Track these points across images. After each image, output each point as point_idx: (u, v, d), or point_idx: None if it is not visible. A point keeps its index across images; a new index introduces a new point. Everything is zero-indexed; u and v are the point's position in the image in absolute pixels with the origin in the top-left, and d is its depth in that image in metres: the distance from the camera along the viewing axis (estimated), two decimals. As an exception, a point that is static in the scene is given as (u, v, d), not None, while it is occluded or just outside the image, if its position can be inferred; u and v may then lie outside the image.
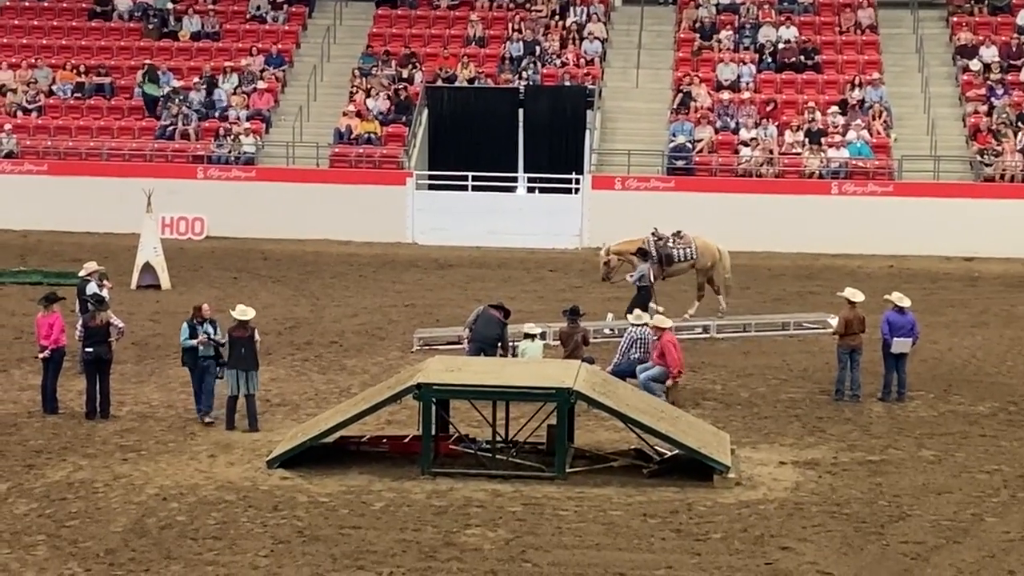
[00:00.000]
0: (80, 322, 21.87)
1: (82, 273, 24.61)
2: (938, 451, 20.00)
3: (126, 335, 22.38)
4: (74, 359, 22.44)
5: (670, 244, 28.05)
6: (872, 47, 43.15)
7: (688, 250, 28.04)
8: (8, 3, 45.72)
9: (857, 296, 23.06)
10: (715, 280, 28.34)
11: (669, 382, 21.81)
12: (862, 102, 40.67)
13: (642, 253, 27.20)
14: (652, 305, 26.57)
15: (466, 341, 23.37)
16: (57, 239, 37.43)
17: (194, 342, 20.55)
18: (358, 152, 39.93)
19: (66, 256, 34.44)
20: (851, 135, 39.46)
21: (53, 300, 21.59)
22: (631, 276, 27.06)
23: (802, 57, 42.52)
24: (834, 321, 23.63)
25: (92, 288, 23.78)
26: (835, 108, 40.32)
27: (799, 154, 39.32)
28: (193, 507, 17.05)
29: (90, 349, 20.99)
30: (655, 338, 22.10)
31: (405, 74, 42.24)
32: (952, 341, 27.34)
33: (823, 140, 39.42)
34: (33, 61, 42.99)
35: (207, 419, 20.51)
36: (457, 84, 41.63)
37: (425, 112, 41.07)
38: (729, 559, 15.67)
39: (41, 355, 21.28)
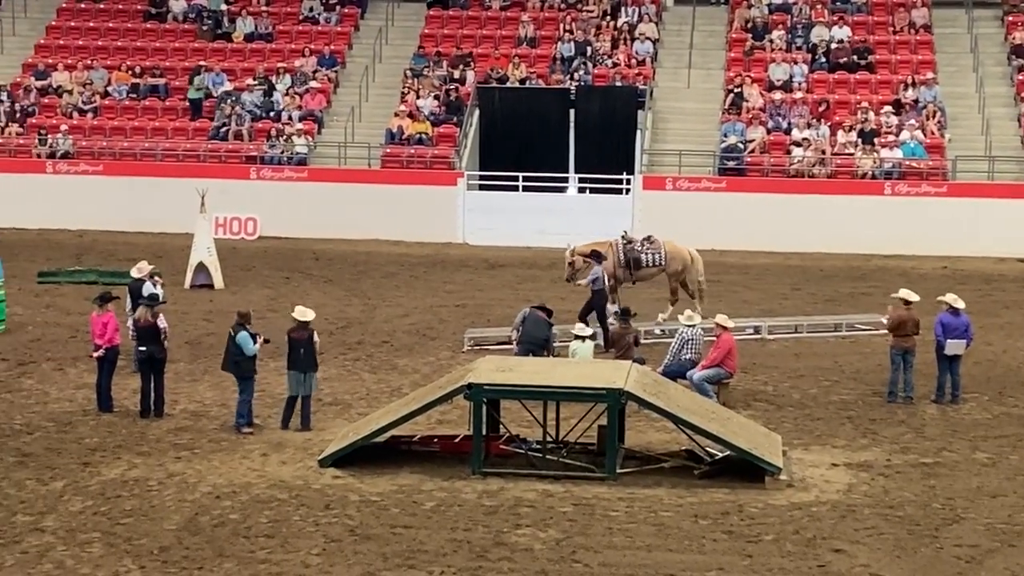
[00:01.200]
0: (130, 321, 22.02)
1: (134, 273, 24.77)
2: (992, 454, 19.85)
3: (170, 337, 22.24)
4: (129, 358, 22.62)
5: (638, 248, 27.60)
6: (926, 47, 42.87)
7: (657, 255, 27.52)
8: (64, 5, 46.14)
9: (912, 297, 22.93)
10: (688, 285, 27.79)
11: (697, 367, 21.83)
12: (916, 102, 40.43)
13: (596, 256, 26.67)
14: (610, 307, 26.34)
15: (515, 343, 23.41)
16: (112, 239, 37.74)
17: (257, 347, 20.55)
18: (409, 152, 40.05)
19: (121, 255, 34.71)
20: (904, 135, 39.22)
21: (108, 299, 21.74)
22: (584, 280, 26.72)
23: (855, 57, 42.29)
24: (887, 320, 23.50)
25: (148, 288, 23.94)
26: (888, 108, 40.09)
27: (852, 154, 39.12)
28: (246, 505, 17.15)
29: (143, 348, 21.14)
30: (711, 337, 22.18)
31: (456, 75, 42.33)
32: (1007, 343, 27.12)
33: (876, 140, 39.21)
34: (89, 62, 43.37)
35: (247, 429, 20.51)
36: (508, 84, 41.68)
37: (476, 112, 41.15)
38: (781, 561, 15.62)
39: (95, 354, 21.46)
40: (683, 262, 27.70)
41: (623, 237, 27.90)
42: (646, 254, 27.57)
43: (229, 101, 41.22)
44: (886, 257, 36.80)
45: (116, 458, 19.06)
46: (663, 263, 27.58)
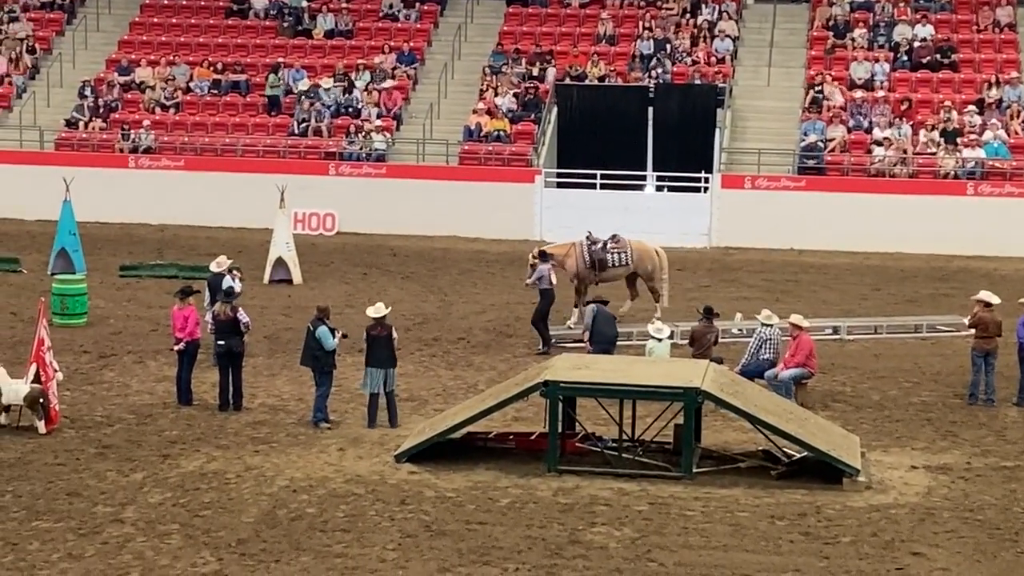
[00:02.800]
0: (209, 315, 22.23)
1: (213, 268, 24.98)
2: (1075, 458, 19.58)
3: (252, 330, 22.44)
4: (208, 352, 22.82)
5: (603, 249, 27.08)
6: (1011, 46, 42.31)
7: (623, 255, 27.04)
8: (148, 1, 46.61)
9: (993, 299, 22.67)
10: (655, 287, 27.29)
11: (779, 368, 21.69)
12: (999, 101, 39.92)
13: (542, 255, 26.23)
14: (575, 311, 25.97)
15: (587, 342, 23.31)
16: (192, 233, 38.10)
17: (336, 342, 20.66)
18: (487, 150, 40.10)
19: (201, 250, 35.02)
20: (988, 135, 38.75)
21: (189, 293, 21.95)
22: (529, 279, 26.30)
23: (938, 56, 41.82)
24: (967, 321, 23.27)
25: (227, 282, 24.13)
26: (972, 107, 39.63)
27: (934, 154, 38.71)
28: (322, 499, 17.26)
29: (221, 342, 21.31)
30: (787, 337, 22.09)
31: (535, 72, 42.33)
32: (1091, 346, 26.68)
33: (959, 140, 38.77)
34: (171, 58, 43.79)
35: (326, 424, 20.63)
36: (587, 82, 41.62)
37: (555, 110, 41.13)
38: (858, 563, 15.49)
39: (176, 348, 21.66)
40: (652, 261, 27.23)
41: (587, 238, 27.41)
42: (612, 254, 27.10)
43: (307, 97, 41.46)
44: (968, 258, 36.38)
45: (195, 451, 19.25)
46: (630, 263, 27.10)
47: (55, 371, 20.36)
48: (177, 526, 16.29)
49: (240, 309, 21.57)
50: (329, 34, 44.86)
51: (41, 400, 19.88)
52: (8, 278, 31.86)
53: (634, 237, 28.07)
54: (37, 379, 19.96)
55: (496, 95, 41.42)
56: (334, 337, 20.55)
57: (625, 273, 27.43)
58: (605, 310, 23.34)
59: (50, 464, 18.53)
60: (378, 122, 40.87)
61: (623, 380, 18.97)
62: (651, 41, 42.70)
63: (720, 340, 23.85)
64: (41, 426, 19.89)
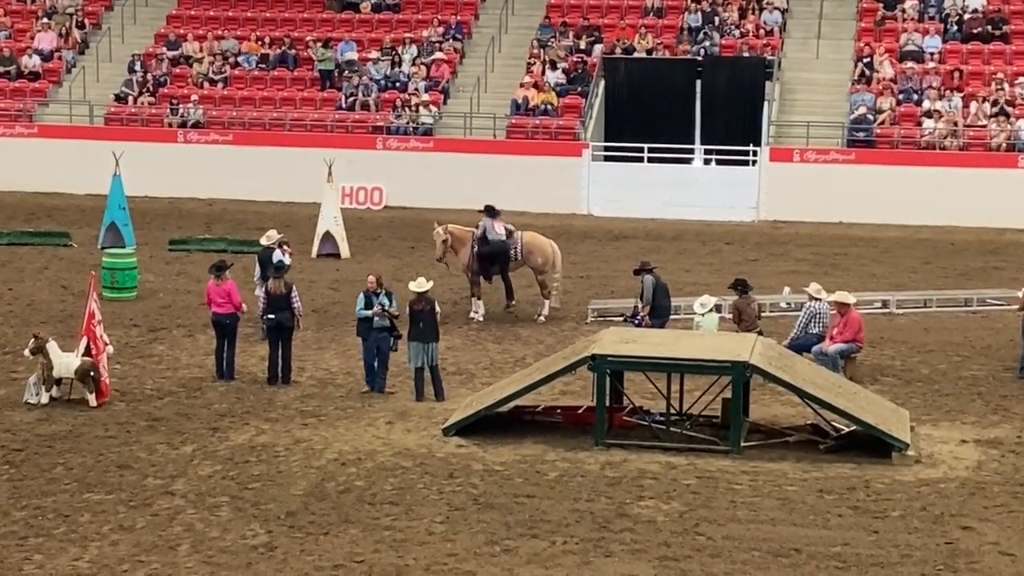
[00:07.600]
0: (260, 290, 22.26)
1: (263, 241, 25.06)
2: None
3: (303, 315, 22.42)
4: (257, 325, 22.92)
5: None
6: (1064, 16, 41.87)
7: (513, 249, 26.26)
8: (195, -24, 46.74)
9: (1044, 272, 22.50)
10: (545, 282, 26.48)
11: (826, 344, 21.57)
12: (1052, 73, 39.54)
13: (488, 211, 26.23)
14: (476, 304, 26.01)
15: (645, 315, 23.19)
16: (241, 208, 38.25)
17: (369, 312, 20.76)
18: (535, 123, 40.03)
19: (250, 224, 35.17)
20: (1040, 107, 38.40)
21: (223, 268, 21.98)
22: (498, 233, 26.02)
23: (990, 27, 41.40)
24: (1021, 294, 23.09)
25: (277, 256, 24.21)
26: (1023, 79, 39.21)
27: (984, 126, 38.36)
28: (371, 472, 17.33)
29: (272, 315, 21.39)
30: (833, 312, 22.00)
31: (583, 45, 42.19)
32: None
33: (1010, 112, 38.39)
34: (219, 33, 43.92)
35: (364, 389, 20.66)
36: (635, 55, 41.44)
37: (602, 83, 41.00)
38: (908, 537, 15.43)
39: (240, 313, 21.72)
40: (544, 256, 26.45)
41: (478, 227, 26.63)
42: None
43: (351, 71, 41.43)
44: (1019, 231, 36.07)
45: (244, 424, 19.36)
46: (520, 258, 26.40)
47: (105, 344, 20.52)
48: (227, 498, 16.40)
49: (294, 290, 21.58)
50: (376, 8, 44.84)
51: (92, 373, 20.05)
52: (59, 252, 32.12)
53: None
54: (88, 352, 20.13)
55: (550, 67, 41.17)
56: (368, 307, 20.65)
57: (516, 267, 26.62)
58: (662, 281, 23.24)
59: (101, 437, 18.69)
60: (425, 96, 40.87)
61: (671, 354, 18.94)
62: (699, 13, 42.46)
63: (766, 313, 23.73)
64: (92, 399, 20.06)
